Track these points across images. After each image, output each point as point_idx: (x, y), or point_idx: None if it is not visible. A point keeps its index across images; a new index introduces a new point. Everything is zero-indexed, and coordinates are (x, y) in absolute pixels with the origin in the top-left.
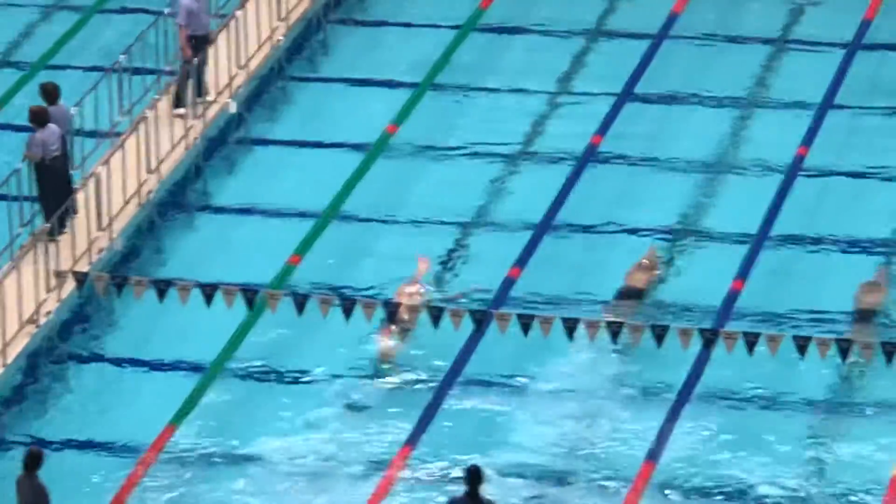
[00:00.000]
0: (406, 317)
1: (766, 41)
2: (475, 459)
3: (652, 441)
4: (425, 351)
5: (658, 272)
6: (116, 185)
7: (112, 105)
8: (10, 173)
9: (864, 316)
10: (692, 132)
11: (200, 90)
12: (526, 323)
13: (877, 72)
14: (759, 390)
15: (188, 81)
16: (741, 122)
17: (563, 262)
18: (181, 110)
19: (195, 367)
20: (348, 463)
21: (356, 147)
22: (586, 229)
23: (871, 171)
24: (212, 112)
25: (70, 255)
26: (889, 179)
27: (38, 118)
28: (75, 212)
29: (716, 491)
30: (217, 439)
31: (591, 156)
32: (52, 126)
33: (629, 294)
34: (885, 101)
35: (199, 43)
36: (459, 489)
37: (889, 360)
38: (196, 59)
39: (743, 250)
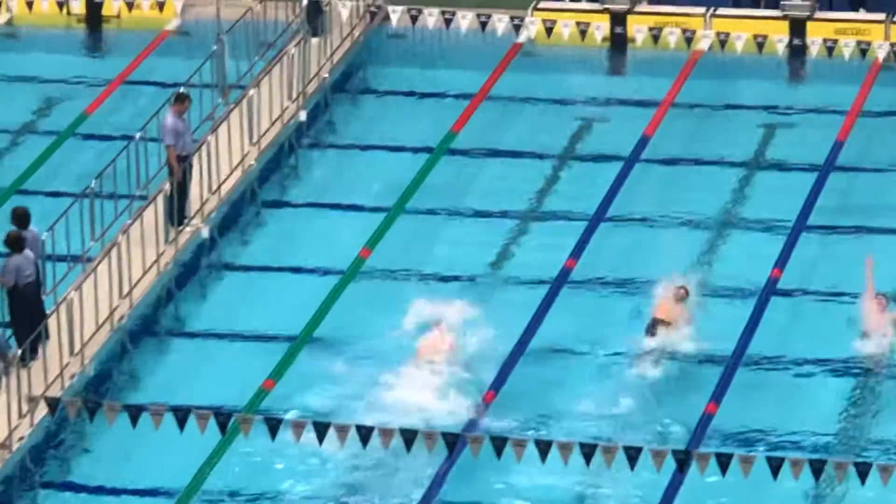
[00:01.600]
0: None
1: (736, 164)
2: None
3: None
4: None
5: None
6: (88, 310)
7: (84, 230)
8: None
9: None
10: (664, 253)
11: (182, 217)
12: (499, 446)
13: (847, 192)
14: None
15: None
16: (713, 243)
17: (536, 384)
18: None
19: (168, 493)
20: None
21: (328, 272)
22: (558, 351)
23: (839, 291)
24: (184, 237)
25: (42, 380)
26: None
27: (15, 244)
28: (47, 337)
29: None
30: None
31: (564, 279)
32: (27, 252)
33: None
34: (854, 221)
35: (183, 161)
36: None
37: (863, 481)
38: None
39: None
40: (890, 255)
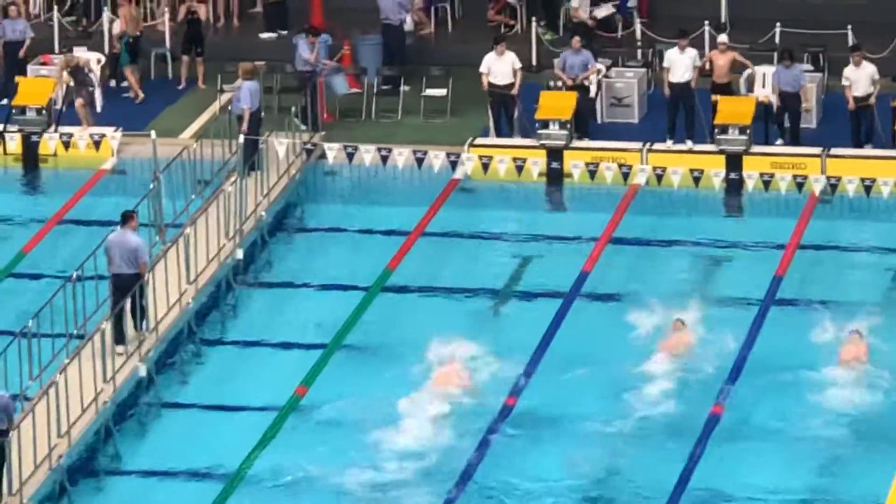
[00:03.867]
0: None
1: (676, 295)
2: None
3: None
4: None
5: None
6: (27, 449)
7: (22, 369)
8: None
9: None
10: (599, 395)
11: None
12: None
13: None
14: None
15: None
16: (651, 376)
17: None
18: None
19: None
20: None
21: (266, 409)
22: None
23: (785, 427)
24: (122, 376)
25: None
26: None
27: None
28: None
29: None
30: None
31: (506, 415)
32: None
33: None
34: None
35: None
36: None
37: None
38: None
39: None
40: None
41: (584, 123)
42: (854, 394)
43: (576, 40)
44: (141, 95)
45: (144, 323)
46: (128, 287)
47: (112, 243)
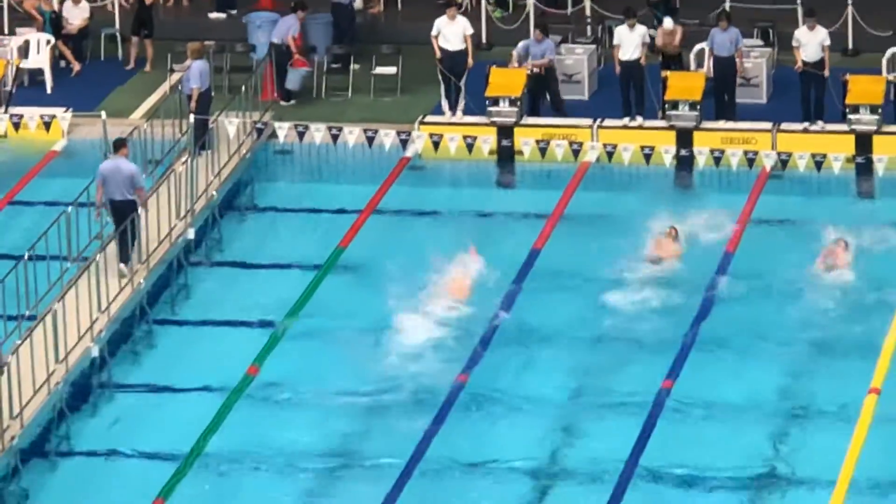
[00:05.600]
0: None
1: (627, 283)
2: None
3: None
4: None
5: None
6: None
7: None
8: None
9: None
10: (557, 369)
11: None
12: None
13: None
14: None
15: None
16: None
17: None
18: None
19: None
20: None
21: (218, 390)
22: None
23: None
24: (73, 356)
25: None
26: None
27: None
28: None
29: None
30: None
31: (456, 395)
32: None
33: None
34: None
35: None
36: None
37: None
38: None
39: None
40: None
41: (558, 101)
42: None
43: (538, 32)
44: (77, 66)
45: (135, 254)
46: (124, 213)
47: (105, 171)
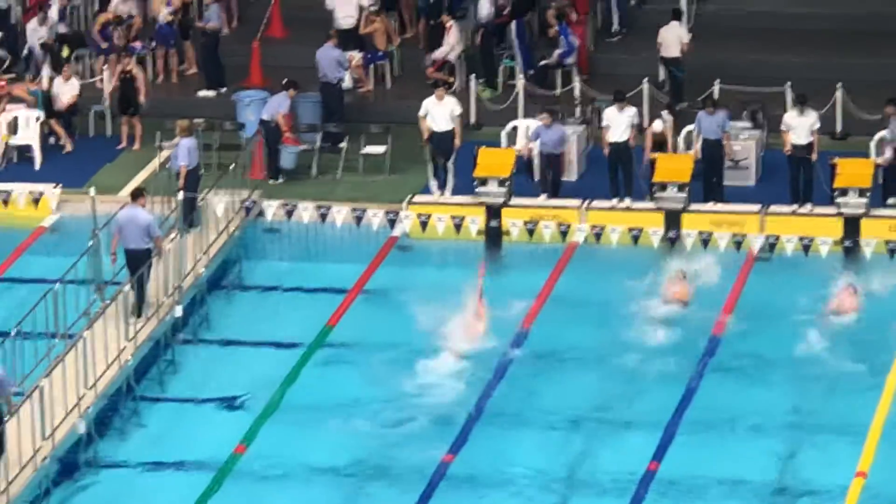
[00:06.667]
0: None
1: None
2: None
3: None
4: None
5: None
6: None
7: None
8: None
9: None
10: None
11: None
12: None
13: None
14: None
15: None
16: (593, 437)
17: None
18: None
19: None
20: None
21: (204, 467)
22: None
23: None
24: (60, 433)
25: None
26: None
27: None
28: None
29: None
30: None
31: (442, 474)
32: None
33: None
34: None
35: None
36: None
37: None
38: None
39: None
40: None
41: (557, 186)
42: None
43: (546, 117)
44: (69, 146)
45: (143, 305)
46: (139, 262)
47: (122, 220)
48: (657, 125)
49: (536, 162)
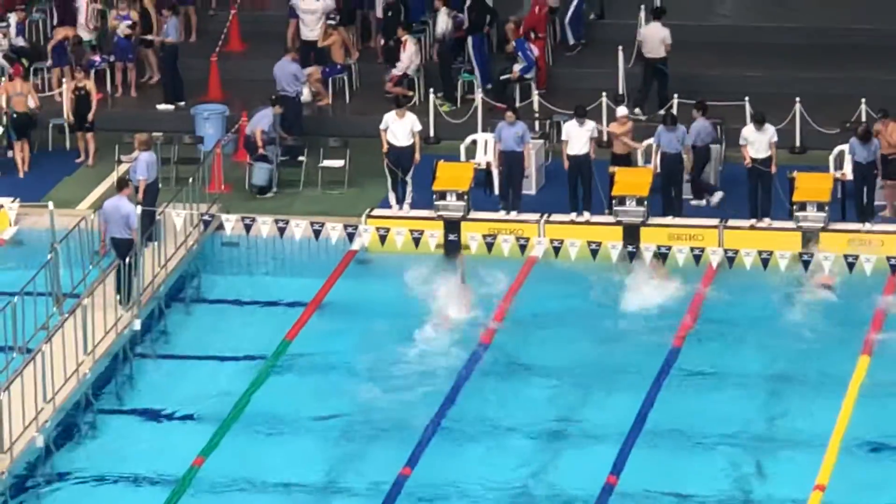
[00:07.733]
0: None
1: (563, 371)
2: None
3: None
4: None
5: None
6: None
7: None
8: None
9: None
10: (505, 458)
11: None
12: None
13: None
14: None
15: None
16: (553, 451)
17: None
18: None
19: None
20: None
21: (163, 482)
22: None
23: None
24: (17, 448)
25: None
26: None
27: None
28: None
29: None
30: None
31: (398, 492)
32: None
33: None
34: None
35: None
36: None
37: None
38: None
39: None
40: None
41: (517, 183)
42: None
43: (510, 114)
44: (22, 173)
45: (130, 297)
46: (126, 250)
47: (107, 209)
48: (621, 111)
49: (496, 173)
